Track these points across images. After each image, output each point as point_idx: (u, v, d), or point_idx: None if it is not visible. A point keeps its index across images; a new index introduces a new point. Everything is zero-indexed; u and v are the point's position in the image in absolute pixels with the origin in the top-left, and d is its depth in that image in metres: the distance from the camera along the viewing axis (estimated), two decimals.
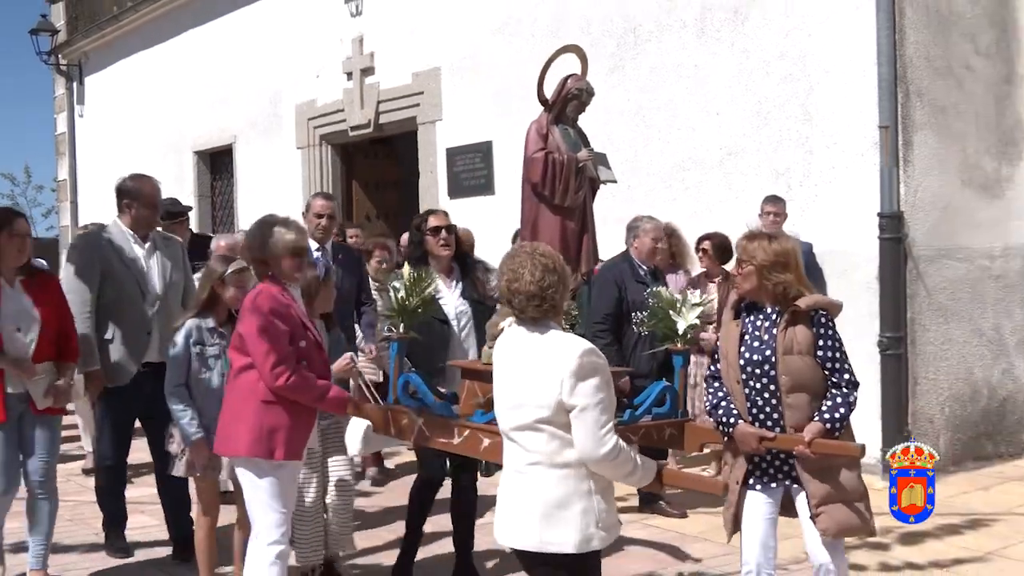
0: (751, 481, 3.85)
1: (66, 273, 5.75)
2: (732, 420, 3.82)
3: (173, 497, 5.68)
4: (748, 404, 3.85)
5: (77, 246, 5.94)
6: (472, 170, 10.63)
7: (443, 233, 5.06)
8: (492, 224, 8.59)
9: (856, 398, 3.78)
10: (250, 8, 13.70)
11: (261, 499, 4.07)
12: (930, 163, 7.56)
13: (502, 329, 3.75)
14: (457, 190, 10.75)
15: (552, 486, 3.06)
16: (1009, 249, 7.96)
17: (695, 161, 8.53)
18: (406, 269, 4.35)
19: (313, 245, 5.99)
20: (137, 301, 5.58)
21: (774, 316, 3.88)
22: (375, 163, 12.67)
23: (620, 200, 8.59)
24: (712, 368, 4.12)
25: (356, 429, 4.60)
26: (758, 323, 3.93)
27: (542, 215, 5.04)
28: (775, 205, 7.50)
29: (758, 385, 3.83)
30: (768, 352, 3.81)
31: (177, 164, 15.30)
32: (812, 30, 7.79)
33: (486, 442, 3.79)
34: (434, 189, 11.16)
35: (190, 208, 8.84)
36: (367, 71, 11.86)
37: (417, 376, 4.30)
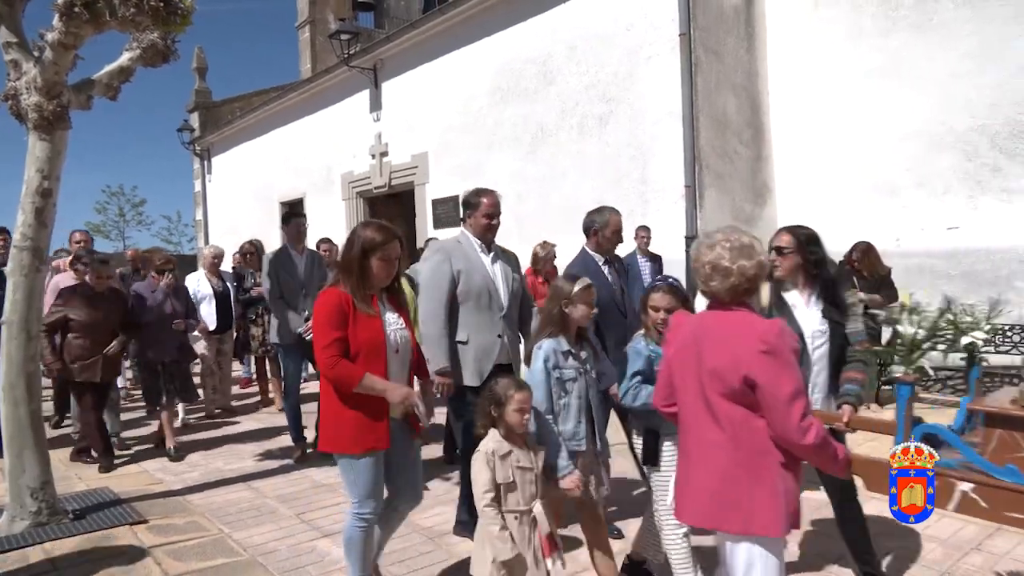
0: None
1: (423, 277, 3.91)
2: None
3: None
4: None
5: (434, 250, 3.98)
6: (447, 213, 10.72)
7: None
8: None
9: None
10: (314, 116, 13.75)
11: None
12: (714, 207, 7.72)
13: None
14: (438, 224, 10.85)
15: None
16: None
17: (578, 207, 8.49)
18: (905, 297, 2.61)
19: (600, 259, 4.11)
20: (488, 305, 3.79)
21: None
22: (390, 208, 12.69)
23: (534, 227, 8.83)
24: None
25: None
26: None
27: None
28: (647, 231, 7.37)
29: None
30: None
31: (268, 210, 15.26)
32: (647, 129, 7.99)
33: None
34: (425, 224, 11.20)
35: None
36: (384, 153, 11.95)
37: (943, 427, 2.63)
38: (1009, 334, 6.28)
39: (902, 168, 7.38)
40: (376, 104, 12.08)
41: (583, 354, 3.03)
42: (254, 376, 8.80)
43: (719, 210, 7.80)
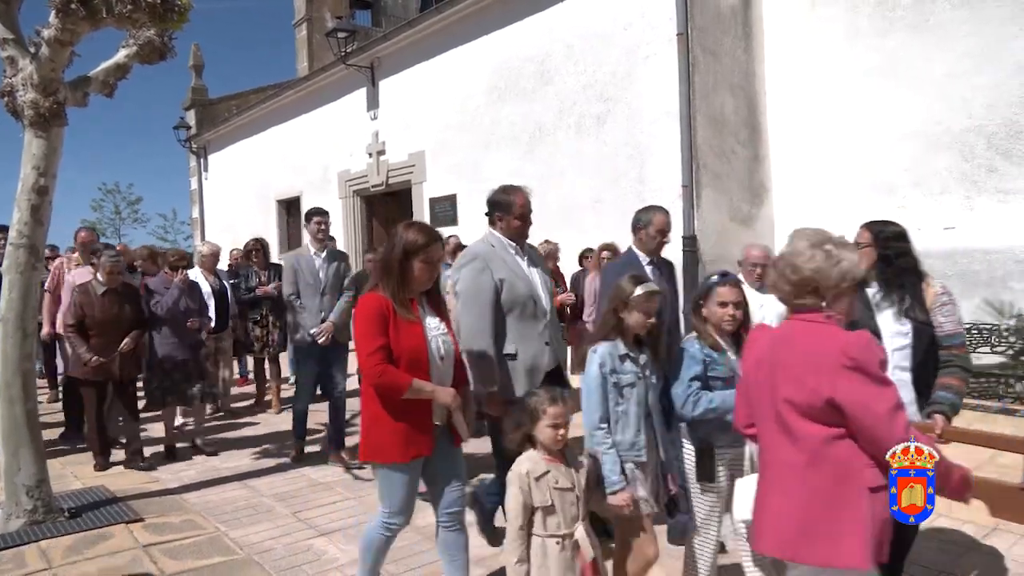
0: None
1: (460, 288, 3.49)
2: None
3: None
4: None
5: (469, 258, 3.57)
6: (445, 211, 10.72)
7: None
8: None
9: None
10: (311, 114, 13.70)
11: None
12: (711, 207, 7.69)
13: None
14: (436, 223, 10.66)
15: None
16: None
17: (577, 206, 8.67)
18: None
19: (644, 259, 4.05)
20: (534, 313, 3.47)
21: None
22: (386, 208, 12.70)
23: (532, 226, 8.85)
24: None
25: (747, 491, 2.28)
26: None
27: None
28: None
29: None
30: None
31: (265, 209, 15.20)
32: (644, 129, 7.97)
33: None
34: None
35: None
36: (381, 152, 11.91)
37: None
38: None
39: (899, 168, 7.38)
40: (373, 102, 12.05)
41: (642, 358, 2.75)
42: (249, 374, 8.78)
43: (716, 210, 7.80)
